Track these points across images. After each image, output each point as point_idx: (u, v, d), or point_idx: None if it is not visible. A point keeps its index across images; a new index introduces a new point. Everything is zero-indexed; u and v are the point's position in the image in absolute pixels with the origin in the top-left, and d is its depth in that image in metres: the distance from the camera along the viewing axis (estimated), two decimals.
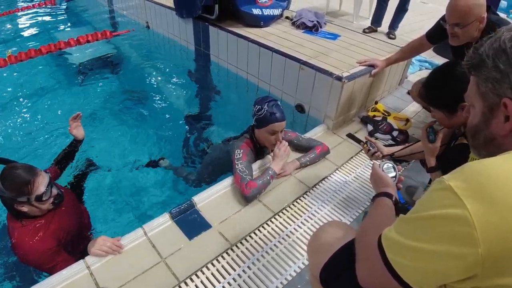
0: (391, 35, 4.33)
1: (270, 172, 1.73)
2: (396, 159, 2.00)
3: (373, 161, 1.22)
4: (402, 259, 0.63)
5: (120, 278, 1.35)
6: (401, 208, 1.57)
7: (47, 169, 1.73)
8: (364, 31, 4.45)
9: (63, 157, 1.90)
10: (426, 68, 3.58)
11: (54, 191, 1.49)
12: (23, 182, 1.37)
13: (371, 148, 1.93)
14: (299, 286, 1.33)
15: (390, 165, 1.18)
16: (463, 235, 0.54)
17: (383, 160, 1.29)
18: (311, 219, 1.64)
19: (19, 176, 1.37)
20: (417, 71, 3.48)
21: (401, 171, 1.98)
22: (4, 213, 1.56)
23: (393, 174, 1.16)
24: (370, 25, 4.45)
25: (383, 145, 1.87)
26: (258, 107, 1.75)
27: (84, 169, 2.24)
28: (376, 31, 4.46)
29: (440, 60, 3.73)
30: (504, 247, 0.51)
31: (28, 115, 2.97)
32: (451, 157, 1.46)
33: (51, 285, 1.31)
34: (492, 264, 0.53)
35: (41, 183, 1.42)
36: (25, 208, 1.42)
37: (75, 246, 1.64)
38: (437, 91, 1.43)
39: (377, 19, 4.40)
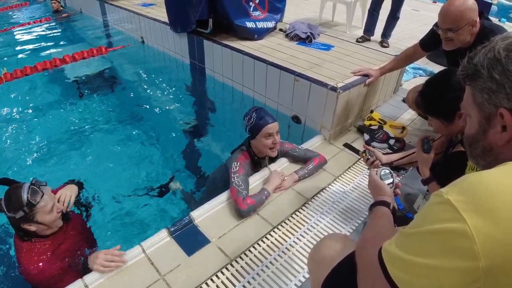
0: (384, 44, 4.38)
1: (265, 192, 1.76)
2: (395, 167, 2.01)
3: (370, 168, 1.22)
4: (404, 274, 0.62)
5: None
6: (400, 217, 1.56)
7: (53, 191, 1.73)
8: (357, 41, 4.50)
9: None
10: (420, 76, 3.61)
11: (60, 206, 1.50)
12: (26, 202, 1.37)
13: (369, 157, 1.93)
14: None
15: (387, 171, 1.18)
16: (463, 249, 0.53)
17: (380, 166, 1.29)
18: (311, 231, 1.63)
19: (20, 197, 1.37)
20: (412, 79, 3.51)
21: (401, 177, 2.00)
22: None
23: (390, 180, 1.16)
24: (363, 34, 4.52)
25: (381, 154, 1.88)
26: (248, 117, 1.79)
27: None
28: (369, 40, 4.52)
29: (434, 67, 3.77)
30: (505, 260, 0.51)
31: (24, 133, 2.96)
32: (448, 165, 1.46)
33: None
34: (494, 278, 0.52)
35: (46, 200, 1.43)
36: (32, 228, 1.42)
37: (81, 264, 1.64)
38: (433, 100, 1.43)
39: (369, 28, 4.46)
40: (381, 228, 0.84)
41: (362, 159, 2.00)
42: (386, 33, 4.37)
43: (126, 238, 2.00)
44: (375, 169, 1.18)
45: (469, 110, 0.74)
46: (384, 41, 4.37)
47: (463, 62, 0.74)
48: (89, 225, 1.89)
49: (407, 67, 3.54)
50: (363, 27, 4.53)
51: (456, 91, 1.31)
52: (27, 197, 1.37)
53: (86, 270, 1.43)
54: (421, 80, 3.54)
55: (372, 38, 4.50)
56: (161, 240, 1.57)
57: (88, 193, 2.11)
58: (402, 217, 1.70)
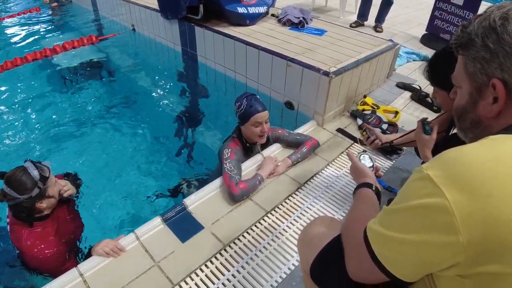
0: (378, 28, 4.36)
1: (258, 177, 1.76)
2: (394, 147, 2.02)
3: (350, 154, 1.23)
4: (387, 251, 0.63)
5: (114, 285, 1.34)
6: (388, 194, 1.55)
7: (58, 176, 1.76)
8: (351, 26, 4.47)
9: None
10: (414, 60, 3.59)
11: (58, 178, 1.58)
12: (39, 177, 1.43)
13: (370, 136, 1.93)
14: (293, 283, 1.33)
15: (367, 156, 1.21)
16: (443, 223, 0.54)
17: (359, 152, 1.32)
18: (304, 215, 1.64)
19: (31, 175, 1.42)
20: (405, 63, 3.49)
21: (394, 161, 2.01)
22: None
23: (370, 164, 1.19)
24: (356, 19, 4.48)
25: (380, 133, 1.87)
26: (238, 104, 1.78)
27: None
28: (363, 25, 4.50)
29: (427, 51, 3.75)
30: (484, 233, 0.51)
31: (16, 124, 2.93)
32: (449, 145, 1.46)
33: None
34: (474, 252, 0.53)
35: (51, 172, 1.50)
36: (44, 204, 1.47)
37: (78, 249, 1.68)
38: (441, 71, 1.39)
39: (362, 13, 4.43)
40: (365, 207, 0.85)
41: (362, 137, 2.00)
42: (380, 18, 4.34)
43: (114, 227, 2.01)
44: (356, 154, 1.20)
45: (460, 81, 0.72)
46: (378, 26, 4.34)
47: (456, 32, 0.72)
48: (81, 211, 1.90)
49: (400, 52, 3.52)
50: (357, 12, 4.50)
51: None
52: (39, 172, 1.43)
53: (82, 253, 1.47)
54: (415, 64, 3.53)
55: (366, 23, 4.47)
56: (155, 227, 1.57)
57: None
58: (389, 194, 1.71)
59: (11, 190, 1.39)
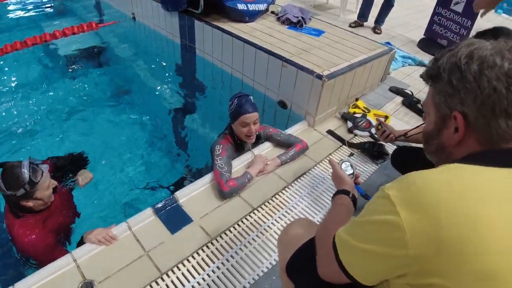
0: (376, 30, 4.41)
1: (248, 175, 1.83)
2: (382, 152, 2.10)
3: (332, 161, 1.32)
4: (350, 257, 0.71)
5: (106, 271, 1.42)
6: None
7: (46, 161, 1.79)
8: (350, 26, 4.51)
9: (63, 166, 1.97)
10: (409, 65, 3.65)
11: (54, 182, 1.58)
12: (28, 180, 1.43)
13: (385, 130, 2.00)
14: (274, 278, 1.42)
15: (348, 163, 1.30)
16: (395, 238, 0.61)
17: (342, 160, 1.39)
18: (289, 214, 1.73)
19: (21, 175, 1.43)
20: (400, 67, 3.55)
21: (379, 166, 2.08)
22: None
23: (351, 171, 1.27)
24: (356, 19, 4.52)
25: (393, 127, 1.92)
26: (230, 102, 1.86)
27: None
28: (362, 25, 4.54)
29: (424, 57, 3.81)
30: (429, 250, 0.59)
31: (14, 108, 2.97)
32: None
33: (40, 277, 1.36)
34: (420, 265, 0.60)
35: (45, 177, 1.50)
36: (30, 203, 1.49)
37: (68, 238, 1.73)
38: None
39: (363, 14, 4.46)
40: (339, 214, 0.93)
41: (376, 131, 2.06)
42: (379, 20, 4.38)
43: (113, 215, 2.08)
44: (337, 161, 1.29)
45: (428, 109, 0.79)
46: (377, 28, 4.39)
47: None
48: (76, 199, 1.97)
49: (396, 56, 3.58)
50: (357, 12, 4.53)
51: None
52: (29, 175, 1.44)
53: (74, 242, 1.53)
54: (410, 69, 3.59)
55: (365, 23, 4.52)
56: (146, 218, 1.65)
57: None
58: (365, 201, 1.81)
59: (1, 182, 1.43)
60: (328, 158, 2.12)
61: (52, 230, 1.60)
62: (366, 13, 4.44)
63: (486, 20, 5.68)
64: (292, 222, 1.09)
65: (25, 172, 1.44)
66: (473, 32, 3.62)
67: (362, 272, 0.70)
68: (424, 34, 4.18)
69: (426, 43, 4.12)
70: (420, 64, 3.65)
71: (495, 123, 0.66)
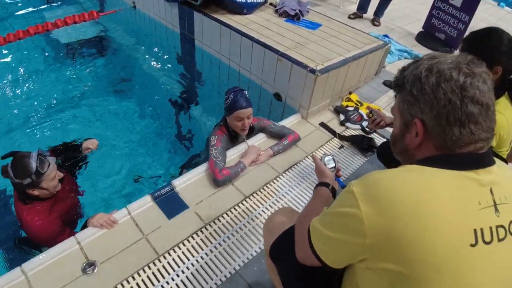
0: (375, 22, 4.44)
1: (241, 165, 1.93)
2: (371, 145, 2.20)
3: (314, 157, 1.42)
4: (319, 243, 0.82)
5: (107, 252, 1.53)
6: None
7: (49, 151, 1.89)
8: (349, 17, 4.54)
9: (63, 152, 2.05)
10: (405, 58, 3.70)
11: (60, 173, 1.67)
12: (35, 170, 1.53)
13: (376, 118, 2.08)
14: (262, 261, 1.53)
15: (330, 157, 1.40)
16: (356, 228, 0.71)
17: (325, 154, 1.49)
18: (279, 202, 1.84)
19: (29, 165, 1.52)
20: (396, 61, 3.60)
21: (368, 158, 2.18)
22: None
23: (333, 165, 1.37)
24: (355, 11, 4.54)
25: (385, 114, 1.98)
26: (226, 96, 1.94)
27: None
28: (361, 17, 4.57)
29: (420, 50, 3.86)
30: (383, 239, 0.68)
31: (17, 96, 3.05)
32: None
33: (46, 259, 1.48)
34: (376, 252, 0.70)
35: (52, 169, 1.59)
36: (36, 192, 1.59)
37: (74, 223, 1.84)
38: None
39: (362, 6, 4.48)
40: (317, 204, 1.03)
41: (368, 119, 2.14)
42: (378, 12, 4.40)
43: (109, 202, 2.19)
44: (319, 156, 1.39)
45: (395, 114, 0.88)
46: (375, 20, 4.42)
47: (397, 72, 0.87)
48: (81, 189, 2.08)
49: (392, 49, 3.64)
50: (357, 3, 4.55)
51: (502, 44, 1.42)
52: (36, 166, 1.53)
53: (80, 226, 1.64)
54: (405, 62, 3.63)
55: (364, 15, 4.54)
56: (145, 204, 1.76)
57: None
58: None
59: (10, 170, 1.54)
60: (316, 151, 2.22)
61: (59, 216, 1.70)
62: (366, 5, 4.46)
63: (488, 14, 5.69)
64: (276, 211, 1.20)
65: (33, 162, 1.53)
66: (471, 26, 3.67)
67: (330, 256, 0.80)
68: (423, 28, 4.21)
69: (424, 37, 4.16)
70: (416, 58, 3.69)
71: (450, 130, 0.73)
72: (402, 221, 0.66)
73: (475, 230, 0.66)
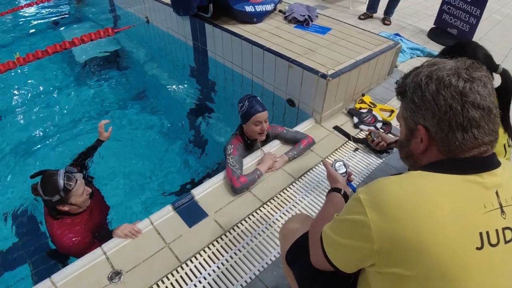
0: (386, 21, 4.42)
1: (258, 172, 1.97)
2: (379, 150, 2.21)
3: (325, 162, 1.45)
4: (331, 249, 0.85)
5: (132, 261, 1.60)
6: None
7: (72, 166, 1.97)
8: (359, 18, 4.54)
9: (85, 155, 2.12)
10: (417, 56, 3.67)
11: (88, 189, 1.76)
12: (63, 187, 1.61)
13: (375, 139, 2.09)
14: (280, 265, 1.56)
15: (341, 163, 1.42)
16: (364, 234, 0.74)
17: (335, 160, 1.51)
18: (295, 207, 1.87)
19: (57, 183, 1.61)
20: (408, 60, 3.58)
21: (383, 159, 2.18)
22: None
23: (344, 170, 1.40)
24: (365, 11, 4.53)
25: (385, 134, 1.97)
26: (240, 104, 1.98)
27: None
28: (371, 17, 4.56)
29: (433, 47, 3.82)
30: (390, 245, 0.70)
31: (40, 115, 3.20)
32: None
33: (74, 269, 1.56)
34: (384, 257, 0.72)
35: (79, 185, 1.67)
36: (66, 208, 1.67)
37: (103, 236, 1.92)
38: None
39: (372, 5, 4.48)
40: (330, 210, 1.06)
41: (368, 140, 2.17)
42: (388, 11, 4.39)
43: (132, 214, 2.27)
44: (330, 162, 1.42)
45: (400, 121, 0.91)
46: (386, 19, 4.40)
47: (399, 79, 0.89)
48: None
49: (404, 47, 3.62)
50: (367, 3, 4.55)
51: (476, 57, 1.34)
52: (64, 183, 1.62)
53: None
54: (418, 61, 3.61)
55: (375, 15, 4.53)
56: (166, 214, 1.82)
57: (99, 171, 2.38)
58: None
59: (40, 188, 1.63)
60: (331, 155, 2.24)
61: (88, 229, 1.78)
62: (375, 5, 4.45)
63: (500, 5, 5.56)
64: (290, 218, 1.25)
65: (61, 180, 1.62)
66: (483, 18, 3.60)
67: (341, 261, 0.83)
68: (434, 24, 4.17)
69: (436, 33, 4.11)
70: (429, 55, 3.66)
71: (452, 136, 0.74)
72: (407, 226, 0.68)
73: (480, 233, 0.68)
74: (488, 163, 0.75)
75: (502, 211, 0.71)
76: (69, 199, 1.66)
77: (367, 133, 2.08)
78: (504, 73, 1.37)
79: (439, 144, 0.78)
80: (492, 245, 0.68)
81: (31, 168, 2.61)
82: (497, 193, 0.72)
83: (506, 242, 0.69)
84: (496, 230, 0.69)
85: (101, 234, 1.80)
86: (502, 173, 0.75)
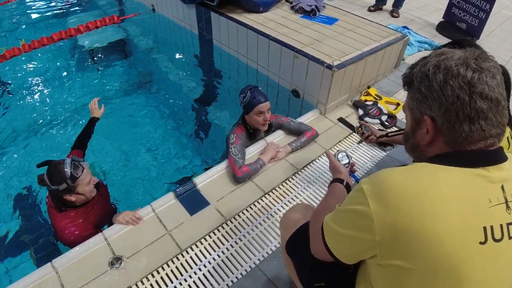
0: (394, 14, 4.36)
1: (260, 162, 1.96)
2: (384, 144, 2.19)
3: (328, 153, 1.43)
4: (332, 239, 0.84)
5: (133, 247, 1.61)
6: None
7: (73, 152, 1.97)
8: (369, 10, 4.48)
9: (83, 137, 2.10)
10: (425, 50, 3.61)
11: (95, 178, 1.75)
12: (69, 175, 1.60)
13: (365, 131, 2.08)
14: (281, 255, 1.56)
15: (344, 154, 1.41)
16: (365, 225, 0.72)
17: (338, 151, 1.50)
18: (297, 198, 1.86)
19: (64, 171, 1.60)
20: (416, 53, 3.52)
21: (387, 152, 2.17)
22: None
23: (346, 161, 1.38)
24: (375, 3, 4.47)
25: (376, 128, 1.98)
26: (243, 95, 1.96)
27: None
28: (381, 9, 4.49)
29: (441, 41, 3.75)
30: (391, 236, 0.69)
31: (45, 101, 3.21)
32: None
33: (75, 255, 1.57)
34: (386, 248, 0.71)
35: (86, 173, 1.66)
36: (73, 198, 1.66)
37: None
38: None
39: None
40: (330, 201, 1.04)
41: (357, 133, 2.16)
42: (397, 3, 4.33)
43: (139, 199, 2.28)
44: (333, 152, 1.40)
45: (406, 111, 0.88)
46: (394, 11, 4.34)
47: (406, 69, 0.86)
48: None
49: (412, 40, 3.56)
50: None
51: None
52: (71, 171, 1.61)
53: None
54: (425, 54, 3.54)
55: (384, 7, 4.46)
56: (168, 202, 1.82)
57: (104, 158, 2.39)
58: None
59: (47, 178, 1.62)
60: (334, 147, 2.22)
61: (92, 222, 1.77)
62: None
63: (510, 1, 5.44)
64: (291, 208, 1.23)
65: (67, 168, 1.61)
66: (493, 13, 3.52)
67: (342, 252, 0.82)
68: (443, 17, 4.10)
69: (445, 27, 4.04)
70: (437, 49, 3.60)
71: (459, 127, 0.72)
72: (409, 218, 0.67)
73: (484, 228, 0.66)
74: (495, 157, 0.73)
75: (508, 206, 0.69)
76: (76, 188, 1.64)
77: (358, 125, 2.06)
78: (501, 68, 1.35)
79: (445, 135, 0.76)
80: (496, 240, 0.66)
81: (36, 153, 2.62)
82: (502, 187, 0.70)
83: (510, 237, 0.68)
84: (501, 225, 0.67)
85: (104, 226, 1.80)
86: (509, 167, 0.72)
